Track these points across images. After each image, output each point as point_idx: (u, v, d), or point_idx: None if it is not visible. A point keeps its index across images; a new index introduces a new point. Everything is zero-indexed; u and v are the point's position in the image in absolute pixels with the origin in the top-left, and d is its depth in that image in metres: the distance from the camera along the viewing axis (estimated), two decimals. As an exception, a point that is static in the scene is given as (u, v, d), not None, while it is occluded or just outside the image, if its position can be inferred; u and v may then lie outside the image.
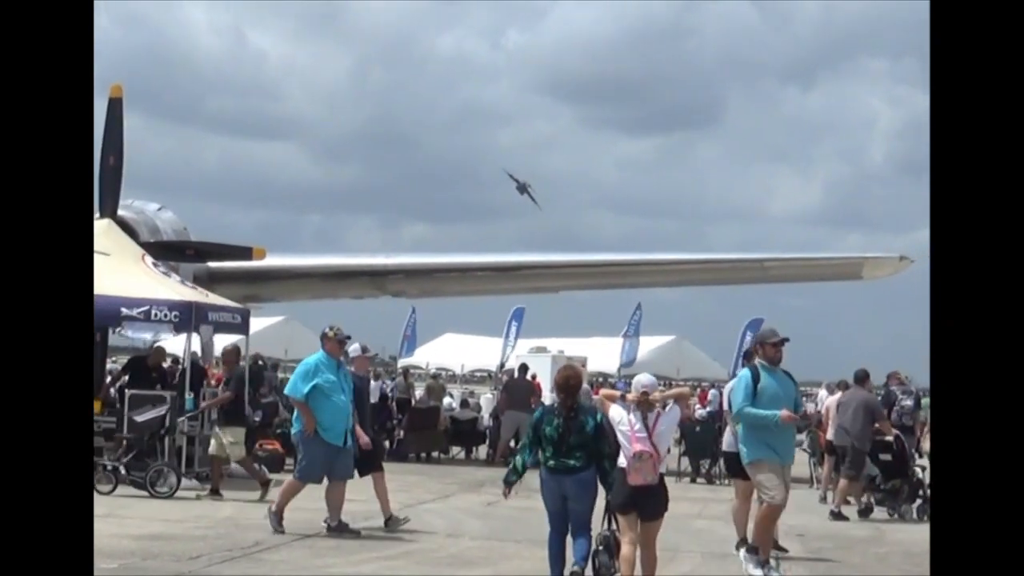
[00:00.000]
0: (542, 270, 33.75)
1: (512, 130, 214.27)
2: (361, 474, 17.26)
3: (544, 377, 42.43)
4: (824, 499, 23.99)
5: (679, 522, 18.08)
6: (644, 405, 12.26)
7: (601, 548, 12.65)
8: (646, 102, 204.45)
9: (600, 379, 56.94)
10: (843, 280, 33.74)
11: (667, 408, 12.45)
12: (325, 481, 16.49)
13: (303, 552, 14.72)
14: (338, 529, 16.28)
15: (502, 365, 51.27)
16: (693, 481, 27.28)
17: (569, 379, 12.90)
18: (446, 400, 35.71)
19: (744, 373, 14.22)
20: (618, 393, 13.29)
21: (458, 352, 67.84)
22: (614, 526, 12.66)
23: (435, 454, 31.68)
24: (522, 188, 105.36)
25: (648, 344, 59.86)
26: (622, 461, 12.21)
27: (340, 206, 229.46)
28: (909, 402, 24.40)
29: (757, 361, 14.11)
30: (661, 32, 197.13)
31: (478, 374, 70.96)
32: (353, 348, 17.89)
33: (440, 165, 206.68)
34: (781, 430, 14.06)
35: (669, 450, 13.16)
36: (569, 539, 12.76)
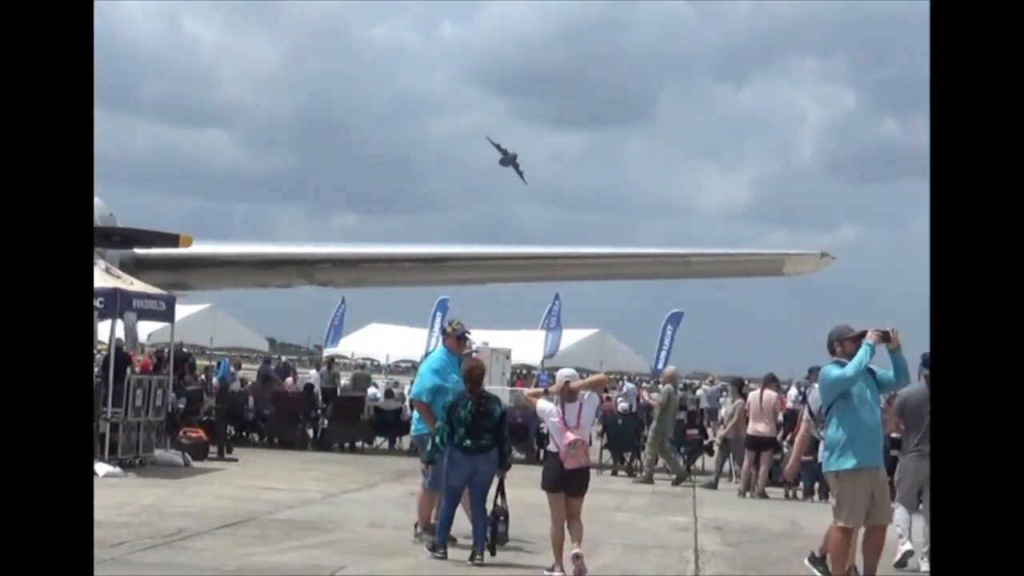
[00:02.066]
0: (468, 262, 33.85)
1: (444, 121, 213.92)
2: None
3: (467, 369, 42.45)
4: (743, 493, 24.29)
5: (600, 514, 18.26)
6: (568, 395, 13.48)
7: (502, 519, 14.16)
8: (579, 96, 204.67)
9: (524, 371, 57.16)
10: (765, 276, 34.07)
11: (587, 397, 13.67)
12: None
13: (226, 540, 14.74)
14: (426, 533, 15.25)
15: (427, 356, 51.28)
16: (614, 474, 27.49)
17: (473, 370, 14.67)
18: (371, 390, 35.72)
19: (829, 366, 13.01)
20: (541, 390, 14.65)
21: (383, 342, 67.64)
22: (499, 500, 14.29)
23: (359, 444, 31.72)
24: (507, 160, 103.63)
25: (571, 337, 59.96)
26: (552, 447, 13.60)
27: (270, 194, 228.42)
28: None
29: (835, 360, 12.97)
30: (595, 26, 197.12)
31: (403, 364, 70.89)
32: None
33: (371, 155, 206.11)
34: (874, 425, 12.78)
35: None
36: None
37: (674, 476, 26.66)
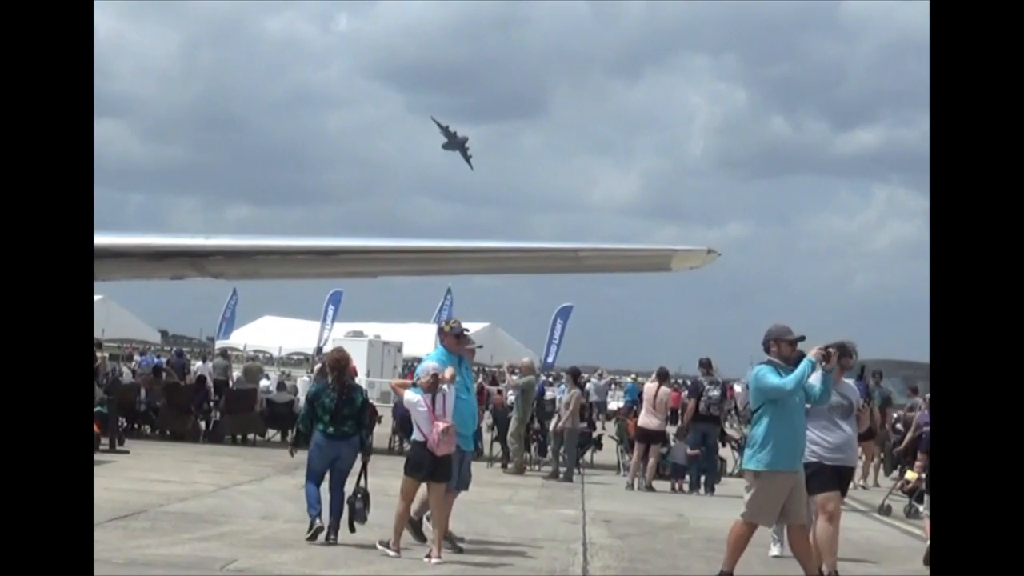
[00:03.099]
0: (360, 255, 33.85)
1: (341, 114, 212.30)
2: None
3: (360, 361, 42.64)
4: (631, 486, 24.58)
5: (489, 507, 18.50)
6: (435, 387, 14.22)
7: (359, 498, 14.79)
8: (475, 90, 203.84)
9: (415, 364, 57.38)
10: (653, 271, 34.34)
11: (449, 389, 14.46)
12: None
13: (117, 533, 14.70)
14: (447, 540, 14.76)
15: (319, 349, 51.42)
16: (504, 467, 27.64)
17: (339, 360, 15.79)
18: (263, 382, 35.73)
19: (764, 367, 12.87)
20: (409, 381, 15.39)
21: (276, 334, 67.65)
22: (361, 482, 15.01)
23: (251, 436, 31.73)
24: (454, 143, 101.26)
25: (464, 330, 60.28)
26: (417, 435, 14.27)
27: (165, 186, 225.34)
28: (716, 392, 24.79)
29: (769, 360, 12.90)
30: (493, 21, 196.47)
31: (295, 357, 70.96)
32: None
33: (267, 148, 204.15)
34: (799, 431, 12.82)
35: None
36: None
37: (512, 465, 26.95)
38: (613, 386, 61.83)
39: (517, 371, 29.57)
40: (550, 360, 56.17)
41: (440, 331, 15.87)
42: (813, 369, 12.67)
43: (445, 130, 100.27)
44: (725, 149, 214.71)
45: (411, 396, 14.46)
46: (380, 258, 34.07)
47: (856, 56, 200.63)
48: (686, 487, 24.77)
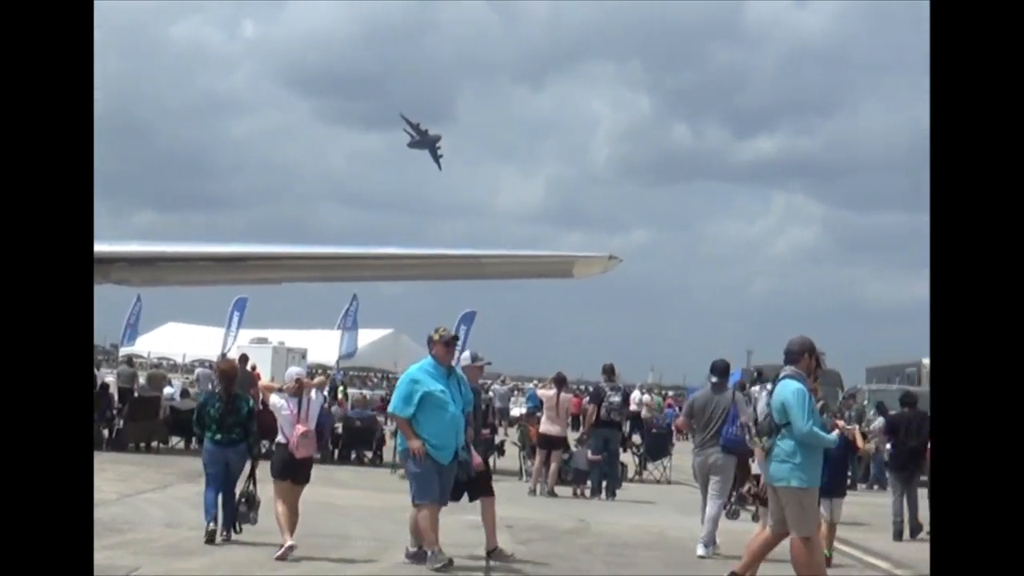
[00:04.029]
0: (266, 261, 33.75)
1: (246, 121, 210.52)
2: (471, 497, 15.49)
3: (264, 368, 42.53)
4: (533, 491, 24.74)
5: (392, 514, 18.55)
6: (298, 393, 14.90)
7: (243, 501, 15.48)
8: (381, 96, 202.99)
9: (319, 371, 57.32)
10: (556, 277, 34.44)
11: (314, 394, 15.23)
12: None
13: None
14: (416, 557, 14.67)
15: (224, 355, 51.14)
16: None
17: (227, 371, 16.65)
18: (167, 390, 35.58)
19: (799, 387, 12.64)
20: (277, 385, 16.28)
21: (180, 341, 67.24)
22: (252, 487, 15.49)
23: (154, 444, 31.60)
24: (423, 142, 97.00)
25: (367, 337, 60.26)
26: (281, 438, 14.88)
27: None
28: (616, 398, 25.05)
29: (795, 372, 12.77)
30: (398, 28, 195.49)
31: (199, 364, 70.53)
32: (464, 356, 16.48)
33: (172, 154, 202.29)
34: (820, 451, 12.93)
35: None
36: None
37: None
38: (516, 392, 62.11)
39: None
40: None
41: (429, 340, 14.84)
42: (832, 444, 13.25)
43: (415, 127, 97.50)
44: (629, 156, 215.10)
45: (276, 400, 15.07)
46: (284, 264, 33.89)
47: (757, 64, 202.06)
48: (588, 492, 24.95)
